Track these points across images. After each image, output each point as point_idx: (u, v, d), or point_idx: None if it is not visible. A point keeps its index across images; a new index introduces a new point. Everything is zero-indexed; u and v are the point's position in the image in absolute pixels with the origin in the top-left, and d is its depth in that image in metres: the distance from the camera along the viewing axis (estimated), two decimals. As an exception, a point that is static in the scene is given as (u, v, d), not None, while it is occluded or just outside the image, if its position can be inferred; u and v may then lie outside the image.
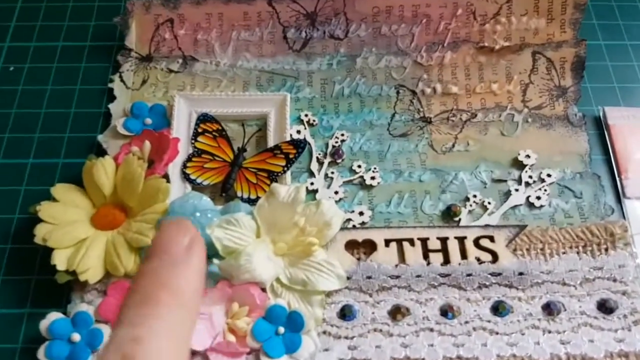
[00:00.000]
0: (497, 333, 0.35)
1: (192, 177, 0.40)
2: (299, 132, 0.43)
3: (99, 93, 0.45)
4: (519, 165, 0.42)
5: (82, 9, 0.50)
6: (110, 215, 0.38)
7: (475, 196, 0.40)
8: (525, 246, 0.38)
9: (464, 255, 0.37)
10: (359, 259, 0.37)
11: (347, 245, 0.37)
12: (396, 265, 0.37)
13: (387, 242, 0.37)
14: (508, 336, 0.35)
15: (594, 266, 0.37)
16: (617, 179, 0.41)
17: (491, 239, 0.37)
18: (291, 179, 0.41)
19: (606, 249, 0.37)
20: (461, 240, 0.37)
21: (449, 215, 0.40)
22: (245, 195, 0.40)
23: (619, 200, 0.41)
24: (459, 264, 0.37)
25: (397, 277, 0.36)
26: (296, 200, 0.37)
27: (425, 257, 0.37)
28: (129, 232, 0.37)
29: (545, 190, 0.40)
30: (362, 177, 0.41)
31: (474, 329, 0.35)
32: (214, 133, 0.42)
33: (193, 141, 0.42)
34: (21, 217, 0.40)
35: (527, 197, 0.40)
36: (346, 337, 0.35)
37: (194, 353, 0.33)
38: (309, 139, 0.43)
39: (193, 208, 0.37)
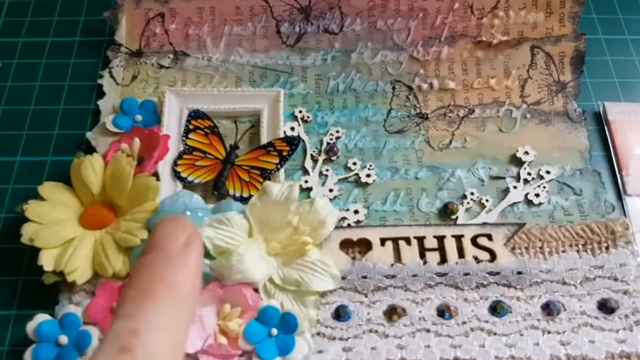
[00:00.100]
0: (495, 334, 0.35)
1: (183, 175, 0.39)
2: (292, 128, 0.42)
3: (88, 89, 0.45)
4: (518, 162, 0.41)
5: (72, 4, 0.49)
6: (99, 214, 0.37)
7: (472, 194, 0.40)
8: (524, 244, 0.37)
9: (461, 254, 0.36)
10: (353, 259, 0.37)
11: (342, 245, 0.37)
12: (392, 265, 0.36)
13: (383, 241, 0.37)
14: (506, 337, 0.34)
15: (594, 265, 0.36)
16: (618, 175, 0.41)
17: (489, 237, 0.37)
18: (285, 176, 0.40)
19: (607, 247, 0.37)
20: (458, 238, 0.37)
21: (446, 213, 0.39)
22: (238, 194, 0.39)
23: (619, 198, 0.40)
24: (456, 263, 0.36)
25: (393, 276, 0.36)
26: (289, 198, 0.36)
27: (422, 256, 0.36)
28: (118, 231, 0.36)
29: (544, 187, 0.40)
30: (357, 174, 0.41)
31: (472, 329, 0.35)
32: (205, 130, 0.41)
33: (184, 138, 0.41)
34: (8, 217, 0.40)
35: (526, 195, 0.40)
36: (341, 339, 0.34)
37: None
38: (303, 136, 0.42)
39: (183, 207, 0.36)
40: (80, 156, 0.39)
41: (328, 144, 0.42)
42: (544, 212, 0.39)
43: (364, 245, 0.37)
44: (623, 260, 0.36)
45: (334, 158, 0.41)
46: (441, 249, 0.37)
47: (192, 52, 0.45)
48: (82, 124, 0.43)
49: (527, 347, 0.34)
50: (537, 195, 0.39)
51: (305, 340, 0.34)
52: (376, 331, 0.35)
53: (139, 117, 0.41)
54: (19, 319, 0.36)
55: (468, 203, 0.39)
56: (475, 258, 0.36)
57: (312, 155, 0.41)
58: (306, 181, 0.40)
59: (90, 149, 0.41)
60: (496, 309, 0.35)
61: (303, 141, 0.42)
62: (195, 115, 0.41)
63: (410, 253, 0.36)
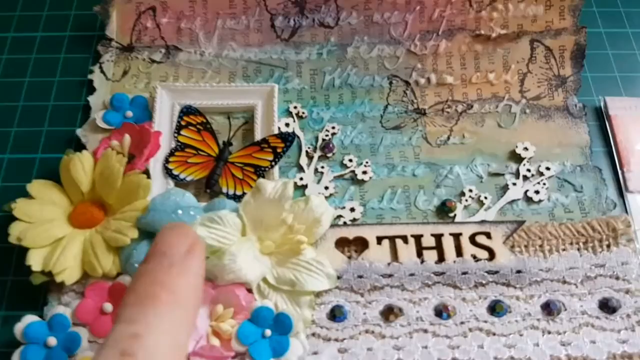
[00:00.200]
0: (494, 334, 0.34)
1: (175, 172, 0.39)
2: (287, 124, 0.41)
3: (78, 85, 0.44)
4: (517, 158, 0.41)
5: (62, -2, 0.48)
6: (88, 212, 0.37)
7: (471, 191, 0.39)
8: (524, 243, 0.36)
9: (459, 252, 0.36)
10: (349, 258, 0.36)
11: (338, 243, 0.36)
12: (389, 264, 0.36)
13: (379, 240, 0.36)
14: (506, 337, 0.34)
15: (595, 263, 0.36)
16: (619, 171, 0.40)
17: (488, 235, 0.36)
18: (279, 174, 0.40)
19: (608, 245, 0.36)
20: (456, 237, 0.36)
21: (444, 211, 0.38)
22: (231, 192, 0.38)
23: (621, 194, 0.40)
24: (454, 261, 0.36)
25: (390, 276, 0.35)
26: (283, 196, 0.36)
27: (419, 254, 0.36)
28: (108, 230, 0.35)
29: (544, 184, 0.39)
30: (353, 171, 0.40)
31: (470, 329, 0.34)
32: (198, 126, 0.41)
33: (176, 135, 0.40)
34: (-5, 216, 0.39)
35: (525, 192, 0.39)
36: (336, 340, 0.34)
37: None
38: (298, 132, 0.41)
39: (175, 205, 0.35)
40: (70, 153, 0.38)
41: (323, 140, 0.41)
42: (543, 210, 0.39)
43: (360, 244, 0.37)
44: (625, 258, 0.36)
45: (329, 155, 0.41)
46: (439, 247, 0.36)
47: (184, 46, 0.44)
48: (72, 120, 0.42)
49: (526, 348, 0.34)
50: (536, 192, 0.39)
51: (299, 342, 0.33)
52: (372, 332, 0.34)
53: (129, 113, 0.41)
54: (6, 320, 0.35)
55: (466, 200, 0.39)
56: (474, 257, 0.36)
57: (307, 152, 0.41)
58: (301, 178, 0.39)
59: (80, 146, 0.40)
60: (495, 308, 0.34)
61: (298, 137, 0.41)
62: (187, 111, 0.41)
63: (407, 252, 0.36)
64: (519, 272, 0.35)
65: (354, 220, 0.38)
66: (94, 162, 0.38)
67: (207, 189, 0.39)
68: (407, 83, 0.43)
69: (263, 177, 0.39)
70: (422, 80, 0.43)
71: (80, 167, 0.37)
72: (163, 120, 0.40)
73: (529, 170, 0.40)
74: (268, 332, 0.33)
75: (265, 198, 0.36)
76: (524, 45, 0.44)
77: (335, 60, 0.44)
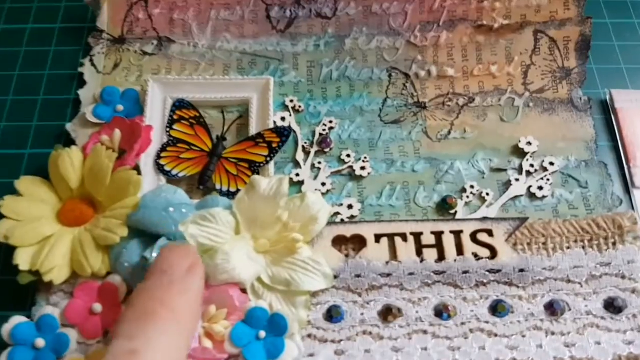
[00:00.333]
0: (496, 335, 0.33)
1: (167, 168, 0.38)
2: (283, 119, 0.41)
3: (69, 78, 0.43)
4: (520, 153, 0.40)
5: (52, -11, 0.48)
6: (77, 210, 0.36)
7: (472, 187, 0.39)
8: (527, 240, 0.36)
9: (460, 250, 0.35)
10: (347, 256, 0.36)
11: (335, 241, 0.36)
12: (387, 263, 0.35)
13: (378, 238, 0.36)
14: (508, 338, 0.33)
15: (600, 262, 0.35)
16: (626, 167, 0.40)
17: (489, 233, 0.36)
18: (275, 170, 0.39)
19: (614, 243, 0.36)
20: (457, 234, 0.36)
21: (445, 207, 0.38)
22: (225, 188, 0.38)
23: (627, 190, 0.39)
24: (455, 260, 0.35)
25: (389, 275, 0.35)
26: (279, 193, 0.35)
27: (419, 253, 0.35)
28: (97, 228, 0.35)
29: (548, 179, 0.39)
30: (351, 167, 0.39)
31: (471, 330, 0.34)
32: (190, 120, 0.40)
33: (168, 129, 0.40)
34: (-17, 213, 0.38)
35: (529, 188, 0.39)
36: (333, 341, 0.33)
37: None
38: (295, 127, 0.41)
39: (166, 202, 0.34)
40: (59, 149, 0.37)
41: (321, 135, 0.40)
42: (547, 206, 0.38)
43: (358, 242, 0.36)
44: (631, 256, 0.35)
45: (326, 150, 0.40)
46: (439, 245, 0.35)
47: (177, 38, 0.44)
48: (62, 114, 0.42)
49: (529, 349, 0.33)
50: (540, 188, 0.38)
51: (295, 343, 0.33)
52: (370, 333, 0.33)
53: (120, 107, 0.40)
54: (-6, 321, 0.34)
55: (467, 197, 0.38)
56: (475, 255, 0.35)
57: (303, 147, 0.40)
58: (297, 174, 0.39)
59: (70, 141, 0.40)
60: (497, 308, 0.34)
61: (294, 132, 0.40)
62: (180, 105, 0.40)
63: (406, 250, 0.35)
64: (521, 271, 0.35)
65: (352, 217, 0.37)
66: (84, 158, 0.37)
67: (200, 185, 0.38)
68: (407, 76, 0.43)
69: (258, 173, 0.38)
70: (423, 73, 0.43)
71: (69, 163, 0.36)
72: (155, 115, 0.40)
73: (532, 165, 0.39)
74: (262, 333, 0.32)
75: (259, 195, 0.35)
76: (528, 36, 0.43)
77: (332, 52, 0.43)
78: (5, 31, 0.46)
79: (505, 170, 0.39)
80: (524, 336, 0.33)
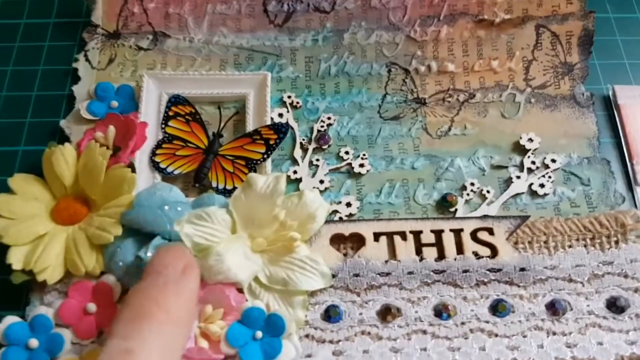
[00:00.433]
0: (496, 335, 0.33)
1: (162, 165, 0.38)
2: (281, 115, 0.40)
3: (63, 74, 0.43)
4: (521, 150, 0.40)
5: (47, -17, 0.47)
6: (71, 208, 0.35)
7: (473, 184, 0.38)
8: (528, 239, 0.35)
9: (460, 249, 0.35)
10: (345, 255, 0.35)
11: (333, 240, 0.35)
12: (386, 261, 0.35)
13: (377, 236, 0.35)
14: (508, 339, 0.33)
15: (603, 260, 0.35)
16: (628, 164, 0.39)
17: (490, 231, 0.35)
18: (272, 167, 0.39)
19: (616, 242, 0.35)
20: (457, 233, 0.35)
21: (444, 205, 0.38)
22: (221, 186, 0.37)
23: (630, 188, 0.39)
24: (455, 259, 0.35)
25: (387, 274, 0.34)
26: (275, 191, 0.35)
27: (418, 252, 0.35)
28: (91, 227, 0.34)
29: (550, 177, 0.38)
30: (350, 164, 0.39)
31: (471, 330, 0.33)
32: (186, 117, 0.40)
33: (163, 126, 0.39)
34: (-25, 211, 0.37)
35: (530, 185, 0.38)
36: (331, 342, 0.33)
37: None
38: (292, 123, 0.40)
39: (161, 201, 0.34)
40: (52, 146, 0.37)
41: (319, 131, 0.40)
42: (549, 204, 0.38)
43: (357, 241, 0.36)
44: (634, 255, 0.35)
45: (325, 147, 0.40)
46: (439, 244, 0.35)
47: (173, 32, 0.43)
48: (57, 111, 0.41)
49: (530, 350, 0.33)
50: (541, 185, 0.38)
51: (292, 344, 0.32)
52: (369, 333, 0.33)
53: (115, 103, 0.40)
54: (-13, 321, 0.34)
55: (468, 194, 0.38)
56: (475, 254, 0.35)
57: (301, 143, 0.40)
58: (295, 172, 0.39)
59: (64, 138, 0.40)
60: (497, 308, 0.33)
61: (292, 129, 0.40)
62: (175, 101, 0.40)
63: (405, 249, 0.35)
64: (522, 269, 0.34)
65: (350, 215, 0.37)
66: (78, 155, 0.37)
67: (196, 183, 0.38)
68: (406, 71, 0.42)
69: (255, 170, 0.38)
70: (422, 68, 0.42)
71: (63, 160, 0.36)
72: (150, 111, 0.39)
73: (533, 162, 0.39)
74: (259, 333, 0.32)
75: (256, 193, 0.35)
76: (529, 30, 0.42)
77: (331, 47, 0.43)
78: (-2, 26, 0.45)
79: (506, 167, 0.39)
80: (524, 336, 0.33)
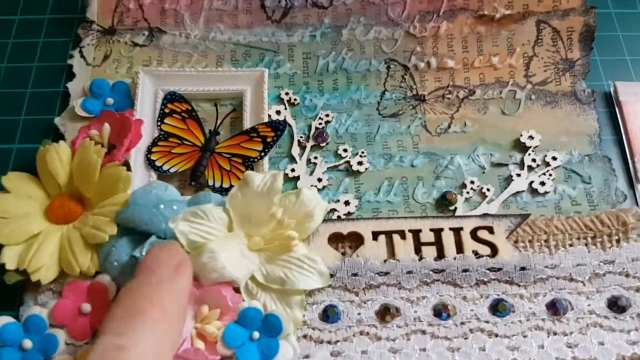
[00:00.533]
0: (496, 335, 0.33)
1: (158, 163, 0.37)
2: (278, 112, 0.40)
3: (58, 70, 0.43)
4: (522, 148, 0.39)
5: (41, -21, 0.47)
6: (66, 207, 0.35)
7: (472, 182, 0.38)
8: (528, 238, 0.35)
9: (459, 248, 0.35)
10: (343, 254, 0.35)
11: (331, 239, 0.35)
12: (385, 261, 0.34)
13: (375, 235, 0.35)
14: (509, 339, 0.33)
15: (604, 259, 0.34)
16: (630, 161, 0.39)
17: (490, 230, 0.35)
18: (269, 165, 0.38)
19: (618, 240, 0.35)
20: (457, 231, 0.35)
21: (444, 204, 0.37)
22: (218, 184, 0.37)
23: (631, 186, 0.38)
24: (455, 258, 0.34)
25: (386, 273, 0.34)
26: (273, 189, 0.34)
27: (417, 251, 0.35)
28: (86, 226, 0.34)
29: (550, 174, 0.38)
30: (348, 162, 0.39)
31: (471, 330, 0.33)
32: (182, 114, 0.39)
33: (159, 123, 0.39)
34: (-31, 210, 0.37)
35: (530, 183, 0.38)
36: (329, 342, 0.33)
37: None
38: (290, 120, 0.40)
39: (157, 199, 0.33)
40: (47, 144, 0.37)
41: (317, 129, 0.40)
42: (549, 202, 0.37)
43: (355, 240, 0.35)
44: (635, 254, 0.34)
45: (323, 144, 0.39)
46: (438, 243, 0.35)
47: (169, 28, 0.43)
48: (51, 108, 0.41)
49: (531, 350, 0.32)
50: (542, 183, 0.38)
51: (290, 344, 0.32)
52: (367, 333, 0.33)
53: (110, 100, 0.39)
54: (-20, 322, 0.34)
55: (468, 193, 0.37)
56: (475, 253, 0.34)
57: (299, 141, 0.39)
58: (293, 170, 0.38)
59: (59, 136, 0.39)
60: (497, 308, 0.33)
61: (289, 126, 0.40)
62: (171, 97, 0.39)
63: (404, 248, 0.35)
64: (523, 269, 0.34)
65: (349, 214, 0.37)
66: (72, 153, 0.36)
67: (192, 181, 0.37)
68: (405, 67, 0.42)
69: (252, 168, 0.37)
70: (422, 65, 0.42)
71: (57, 158, 0.35)
72: (145, 108, 0.39)
73: (534, 160, 0.38)
74: (256, 334, 0.32)
75: (253, 191, 0.34)
76: (530, 26, 0.42)
77: (329, 43, 0.43)
78: (-8, 22, 0.45)
79: (507, 165, 0.39)
80: (525, 336, 0.33)
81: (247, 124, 0.39)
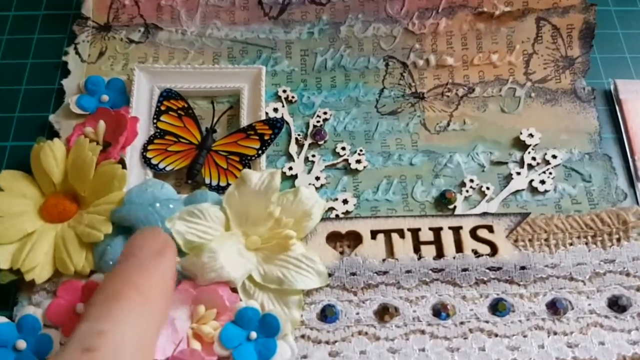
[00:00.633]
0: (496, 335, 0.32)
1: (154, 161, 0.37)
2: (276, 110, 0.40)
3: (52, 67, 0.42)
4: (521, 146, 0.39)
5: (36, -26, 0.46)
6: (60, 205, 0.35)
7: (472, 181, 0.38)
8: (528, 237, 0.35)
9: (459, 247, 0.34)
10: (342, 253, 0.35)
11: (329, 238, 0.35)
12: (384, 260, 0.34)
13: (374, 234, 0.35)
14: (509, 338, 0.32)
15: (604, 259, 0.34)
16: (630, 159, 0.39)
17: (490, 229, 0.35)
18: (267, 163, 0.38)
19: (618, 239, 0.35)
20: (456, 230, 0.35)
21: (443, 202, 0.37)
22: (215, 182, 0.36)
23: (632, 184, 0.38)
24: (454, 257, 0.34)
25: (385, 273, 0.34)
26: (270, 187, 0.34)
27: (416, 250, 0.34)
28: (80, 225, 0.33)
29: (550, 173, 0.38)
30: (346, 160, 0.38)
31: (471, 330, 0.33)
32: (179, 111, 0.39)
33: (155, 121, 0.38)
34: (-38, 209, 0.37)
35: (530, 182, 0.38)
36: (327, 342, 0.32)
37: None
38: (287, 118, 0.40)
39: (152, 198, 0.33)
40: (41, 141, 0.36)
41: (315, 126, 0.39)
42: (549, 201, 0.37)
43: (353, 239, 0.35)
44: (636, 253, 0.34)
45: (321, 142, 0.39)
46: (437, 242, 0.34)
47: (165, 25, 0.42)
48: (46, 105, 0.41)
49: (531, 350, 0.32)
50: (542, 182, 0.37)
51: (287, 344, 0.32)
52: (366, 333, 0.32)
53: (105, 97, 0.39)
54: (-26, 322, 0.33)
55: (467, 191, 0.37)
56: (475, 252, 0.34)
57: (297, 139, 0.39)
58: (290, 168, 0.38)
59: (53, 133, 0.39)
60: (497, 307, 0.33)
61: (287, 124, 0.39)
62: (167, 95, 0.39)
63: (403, 247, 0.34)
64: (522, 268, 0.34)
65: (347, 213, 0.36)
66: (67, 151, 0.36)
67: (189, 179, 0.37)
68: (404, 65, 0.41)
69: (249, 166, 0.37)
70: (421, 62, 0.41)
71: (51, 156, 0.35)
72: (141, 105, 0.39)
73: (534, 158, 0.38)
74: (253, 334, 0.31)
75: (250, 189, 0.34)
76: (530, 23, 0.42)
77: (327, 40, 0.42)
78: (-14, 18, 0.44)
79: (506, 163, 0.38)
80: (525, 336, 0.32)
81: (244, 121, 0.38)
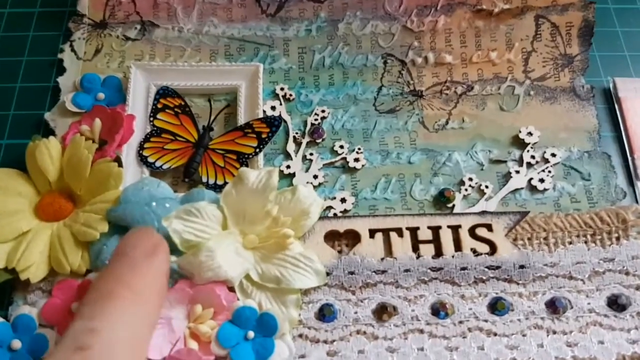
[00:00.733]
0: (495, 334, 0.32)
1: (150, 160, 0.37)
2: (273, 108, 0.40)
3: (48, 65, 0.42)
4: (520, 144, 0.39)
5: (31, -29, 0.46)
6: (56, 203, 0.34)
7: (471, 179, 0.37)
8: (527, 235, 0.35)
9: (458, 246, 0.34)
10: (340, 252, 0.34)
11: (327, 237, 0.34)
12: (382, 259, 0.34)
13: (372, 233, 0.34)
14: (508, 338, 0.32)
15: (604, 257, 0.34)
16: (629, 158, 0.38)
17: (489, 227, 0.35)
18: (264, 161, 0.38)
19: (618, 238, 0.35)
20: (455, 229, 0.35)
21: (442, 201, 0.37)
22: (212, 181, 0.36)
23: (631, 183, 0.38)
24: (453, 256, 0.34)
25: (383, 272, 0.33)
26: (268, 186, 0.33)
27: (415, 249, 0.34)
28: (76, 224, 0.33)
29: (550, 171, 0.38)
30: (344, 158, 0.38)
31: (470, 329, 0.32)
32: (175, 109, 0.38)
33: (151, 119, 0.38)
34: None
35: (529, 180, 0.37)
36: (325, 341, 0.32)
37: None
38: (285, 116, 0.39)
39: (149, 196, 0.33)
40: (36, 139, 0.36)
41: (312, 125, 0.39)
42: (548, 199, 0.37)
43: (352, 238, 0.35)
44: (635, 252, 0.34)
45: (319, 141, 0.39)
46: (436, 241, 0.34)
47: (162, 22, 0.42)
48: (41, 103, 0.40)
49: (530, 349, 0.32)
50: (541, 180, 0.37)
51: (285, 344, 0.31)
52: (364, 332, 0.32)
53: (101, 95, 0.39)
54: (-32, 321, 0.33)
55: (466, 190, 0.37)
56: (474, 251, 0.34)
57: (294, 137, 0.39)
58: (288, 166, 0.38)
59: (49, 131, 0.39)
60: (496, 306, 0.33)
61: (285, 122, 0.39)
62: (164, 92, 0.39)
63: (402, 246, 0.34)
64: (522, 267, 0.34)
65: (345, 211, 0.36)
66: (63, 149, 0.35)
67: (186, 178, 0.37)
68: (402, 62, 0.41)
69: (246, 165, 0.37)
70: (419, 60, 0.41)
71: (47, 154, 0.35)
72: (137, 103, 0.38)
73: (533, 156, 0.38)
74: (251, 334, 0.31)
75: (248, 188, 0.33)
76: (529, 21, 0.42)
77: (325, 37, 0.42)
78: (-19, 15, 0.44)
79: (505, 161, 0.38)
80: (524, 335, 0.32)
81: (242, 119, 0.38)
